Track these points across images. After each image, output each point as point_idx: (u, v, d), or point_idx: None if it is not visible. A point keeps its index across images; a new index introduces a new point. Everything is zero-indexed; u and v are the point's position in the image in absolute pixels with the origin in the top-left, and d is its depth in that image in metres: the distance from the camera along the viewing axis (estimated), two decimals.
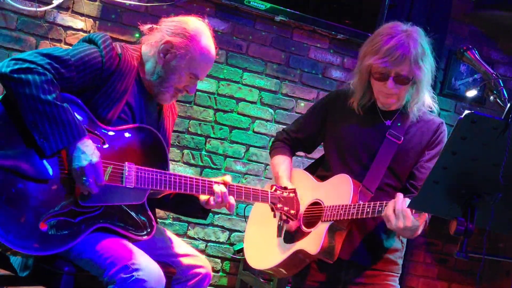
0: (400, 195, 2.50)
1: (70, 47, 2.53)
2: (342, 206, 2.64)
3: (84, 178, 2.30)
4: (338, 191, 2.71)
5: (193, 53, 2.56)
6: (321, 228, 2.69)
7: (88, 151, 2.31)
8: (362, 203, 2.60)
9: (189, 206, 2.73)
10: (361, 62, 2.70)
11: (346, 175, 2.72)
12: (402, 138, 2.73)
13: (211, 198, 2.60)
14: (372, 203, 2.57)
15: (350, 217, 2.61)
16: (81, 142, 2.31)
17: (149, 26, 2.66)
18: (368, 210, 2.56)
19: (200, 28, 2.61)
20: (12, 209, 2.21)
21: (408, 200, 2.47)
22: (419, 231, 2.60)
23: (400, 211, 2.46)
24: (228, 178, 2.67)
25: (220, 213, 4.49)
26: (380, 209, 2.53)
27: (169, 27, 2.61)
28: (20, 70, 2.25)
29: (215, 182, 2.62)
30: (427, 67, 2.64)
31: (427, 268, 5.12)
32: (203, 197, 2.65)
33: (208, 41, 2.62)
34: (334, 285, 2.83)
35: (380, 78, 2.64)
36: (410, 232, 2.54)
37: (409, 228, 2.48)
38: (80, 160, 2.30)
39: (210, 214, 4.42)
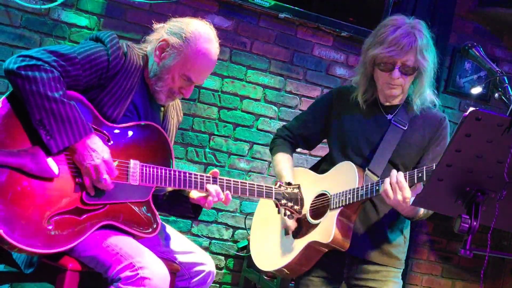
0: (393, 171, 2.55)
1: (76, 45, 2.53)
2: (350, 190, 2.66)
3: (99, 176, 2.32)
4: (343, 178, 2.73)
5: (187, 55, 2.54)
6: (331, 216, 2.70)
7: (98, 148, 2.32)
8: (370, 183, 2.62)
9: (180, 206, 2.72)
10: (365, 54, 2.72)
11: (348, 162, 2.74)
12: (406, 128, 2.74)
13: (208, 198, 2.58)
14: (380, 180, 2.59)
15: (359, 199, 2.63)
16: (89, 139, 2.31)
17: (160, 25, 2.65)
18: (377, 187, 2.58)
19: (200, 30, 2.57)
20: (18, 208, 2.21)
21: (402, 173, 2.52)
22: (420, 209, 2.62)
23: (395, 184, 2.50)
24: (215, 172, 2.63)
25: (224, 210, 4.49)
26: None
27: (170, 26, 2.60)
28: (27, 67, 2.25)
29: (207, 177, 2.58)
30: (431, 59, 2.67)
31: (431, 266, 5.12)
32: (194, 195, 2.64)
33: (206, 44, 2.57)
34: (337, 280, 2.84)
35: (385, 69, 2.65)
36: (411, 207, 2.56)
37: (409, 201, 2.52)
38: (92, 158, 2.31)
39: (214, 211, 4.44)
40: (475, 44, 2.35)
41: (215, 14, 4.34)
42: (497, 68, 2.21)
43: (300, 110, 4.61)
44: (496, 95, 2.15)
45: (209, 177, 2.59)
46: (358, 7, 4.58)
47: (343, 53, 4.73)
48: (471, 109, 1.82)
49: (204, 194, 2.60)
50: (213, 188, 2.56)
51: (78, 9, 4.06)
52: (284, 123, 4.52)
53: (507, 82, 2.14)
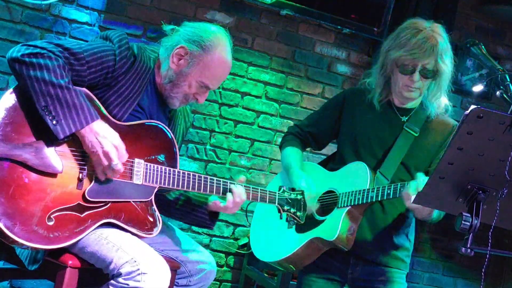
0: (421, 174, 2.53)
1: (80, 41, 2.51)
2: (360, 190, 2.66)
3: (110, 162, 2.30)
4: (354, 178, 2.73)
5: (206, 63, 2.53)
6: (338, 214, 2.70)
7: (107, 133, 2.30)
8: (381, 186, 2.61)
9: (196, 215, 2.71)
10: (385, 56, 2.73)
11: (361, 162, 2.74)
12: (419, 132, 2.74)
13: (230, 200, 2.60)
14: (393, 184, 2.59)
15: (369, 201, 2.63)
16: (96, 124, 2.29)
17: (171, 26, 2.63)
18: (389, 191, 2.57)
19: (218, 38, 2.57)
20: (19, 202, 2.20)
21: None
22: (434, 212, 2.61)
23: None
24: (242, 179, 2.66)
25: None
26: (402, 189, 2.55)
27: (187, 32, 2.57)
28: (31, 54, 2.24)
29: (210, 179, 2.60)
30: (449, 63, 2.70)
31: (432, 264, 5.11)
32: (212, 200, 2.65)
33: (223, 53, 2.57)
34: (341, 280, 2.83)
35: (406, 71, 2.67)
36: (428, 210, 2.57)
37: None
38: (102, 145, 2.28)
39: None
40: (477, 41, 2.36)
41: (217, 11, 4.33)
42: (499, 66, 2.21)
43: (301, 107, 4.60)
44: (498, 93, 2.15)
45: (213, 178, 2.59)
46: (360, 4, 4.57)
47: (345, 50, 4.72)
48: (472, 107, 1.81)
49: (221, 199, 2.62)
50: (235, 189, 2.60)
51: (79, 5, 4.05)
52: (285, 120, 4.54)
53: (508, 80, 2.14)
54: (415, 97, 2.74)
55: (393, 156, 2.73)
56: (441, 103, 2.78)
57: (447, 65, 2.67)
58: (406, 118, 2.78)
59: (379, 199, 2.61)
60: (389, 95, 2.80)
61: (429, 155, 2.76)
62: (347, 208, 2.68)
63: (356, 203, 2.66)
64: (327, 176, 2.88)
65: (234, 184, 2.61)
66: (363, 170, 2.71)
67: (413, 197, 2.48)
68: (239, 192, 2.60)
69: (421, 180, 2.50)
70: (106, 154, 2.30)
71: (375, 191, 2.61)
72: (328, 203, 2.80)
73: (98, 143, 2.29)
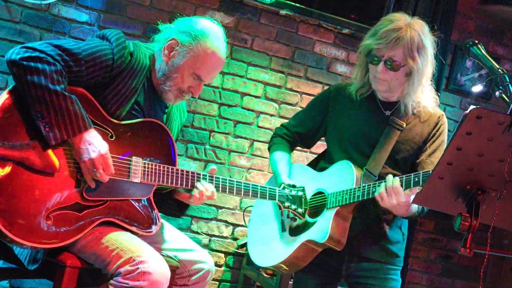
0: (389, 176, 2.55)
1: (81, 41, 2.52)
2: (347, 190, 2.65)
3: (94, 170, 2.31)
4: (341, 177, 2.72)
5: (196, 53, 2.54)
6: (327, 216, 2.70)
7: (96, 142, 2.32)
8: (366, 184, 2.62)
9: (165, 203, 2.70)
10: (361, 46, 2.72)
11: (346, 161, 2.74)
12: (404, 126, 2.73)
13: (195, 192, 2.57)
14: (378, 181, 2.59)
15: (356, 200, 2.63)
16: (87, 133, 2.31)
17: (167, 25, 2.64)
18: (373, 190, 2.58)
19: (208, 28, 2.57)
20: (18, 201, 2.21)
21: (397, 179, 2.52)
22: (413, 209, 2.63)
23: (391, 189, 2.51)
24: (212, 170, 2.64)
25: (224, 207, 4.48)
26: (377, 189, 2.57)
27: (179, 25, 2.59)
28: (29, 58, 2.25)
29: (209, 177, 2.60)
30: (423, 61, 2.63)
31: (431, 264, 5.11)
32: (181, 191, 2.63)
33: (215, 42, 2.57)
34: (336, 277, 2.83)
35: (373, 61, 2.66)
36: (404, 208, 2.58)
37: (404, 203, 2.53)
38: (89, 152, 2.30)
39: (213, 208, 4.44)
40: (476, 41, 2.35)
41: (216, 10, 4.33)
42: (498, 66, 2.20)
43: (300, 107, 4.59)
44: (497, 93, 2.15)
45: (212, 176, 2.59)
46: (359, 4, 4.57)
47: (344, 51, 4.72)
48: (472, 107, 1.81)
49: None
50: (201, 186, 2.56)
51: (78, 4, 4.05)
52: (285, 120, 4.53)
53: (508, 80, 2.13)
54: (382, 90, 2.70)
55: (380, 152, 2.72)
56: (420, 100, 2.73)
57: (417, 62, 2.60)
58: (390, 112, 2.77)
59: (366, 198, 2.61)
60: (372, 87, 2.77)
61: (416, 148, 2.75)
62: (336, 209, 2.68)
63: (344, 203, 2.66)
64: (315, 177, 2.88)
65: (199, 183, 2.58)
66: (348, 169, 2.71)
67: (385, 196, 2.53)
68: (203, 187, 2.57)
69: (390, 180, 2.53)
70: (92, 162, 2.31)
71: (361, 190, 2.61)
72: (318, 204, 2.80)
73: (85, 150, 2.31)
